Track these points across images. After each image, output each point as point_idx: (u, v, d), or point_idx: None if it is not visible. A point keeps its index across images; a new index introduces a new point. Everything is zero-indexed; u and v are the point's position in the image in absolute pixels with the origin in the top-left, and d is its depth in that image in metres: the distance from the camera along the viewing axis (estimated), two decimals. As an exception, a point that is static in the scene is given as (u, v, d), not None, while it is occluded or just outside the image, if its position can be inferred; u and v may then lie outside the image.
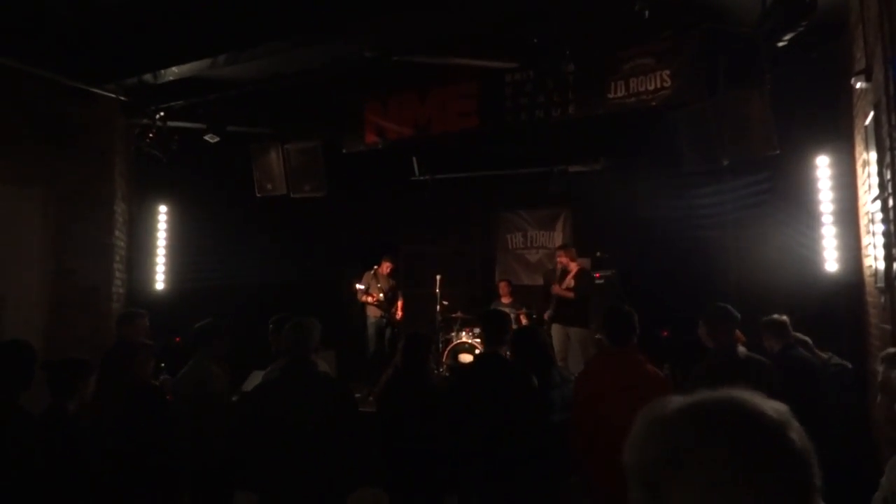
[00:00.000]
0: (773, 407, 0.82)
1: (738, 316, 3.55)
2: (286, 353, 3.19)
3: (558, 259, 7.14)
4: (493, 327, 3.62)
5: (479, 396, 3.35)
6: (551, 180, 8.11)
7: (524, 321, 7.66)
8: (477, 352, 7.37)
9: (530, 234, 9.25)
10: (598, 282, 7.21)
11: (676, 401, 0.86)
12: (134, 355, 3.59)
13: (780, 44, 3.89)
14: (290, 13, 5.19)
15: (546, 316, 7.15)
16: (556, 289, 7.04)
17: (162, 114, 6.33)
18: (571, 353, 6.89)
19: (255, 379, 4.07)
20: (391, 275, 8.06)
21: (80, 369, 3.02)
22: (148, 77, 5.90)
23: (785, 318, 4.22)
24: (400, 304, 8.06)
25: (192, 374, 3.77)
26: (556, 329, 7.00)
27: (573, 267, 7.06)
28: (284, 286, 7.59)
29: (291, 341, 3.12)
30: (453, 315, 8.01)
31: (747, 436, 0.78)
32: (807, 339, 4.32)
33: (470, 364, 5.85)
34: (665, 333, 6.77)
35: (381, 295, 7.89)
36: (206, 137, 6.49)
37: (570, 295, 6.89)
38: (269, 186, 7.33)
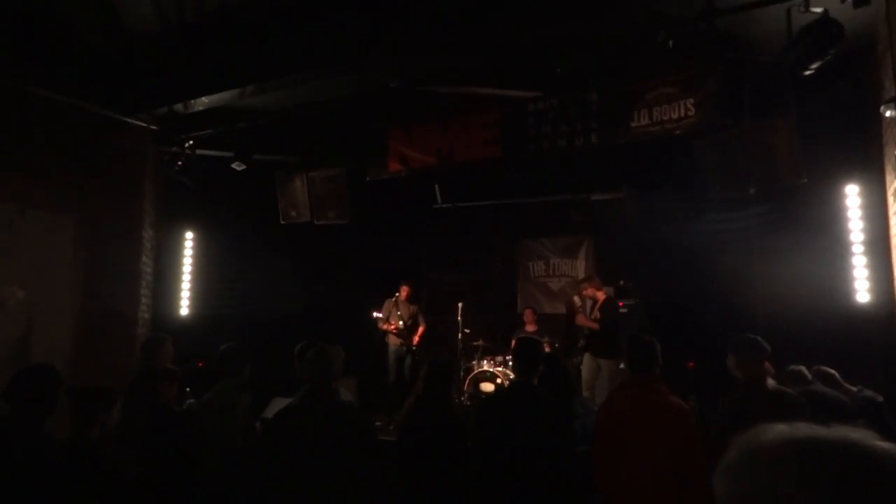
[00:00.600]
0: (889, 451, 0.74)
1: (768, 348, 3.48)
2: (308, 380, 3.18)
3: (584, 293, 7.11)
4: (527, 356, 3.61)
5: (510, 425, 3.32)
6: (574, 208, 8.19)
7: (547, 349, 7.57)
8: (499, 381, 7.27)
9: (552, 262, 9.21)
10: (621, 311, 7.07)
11: (778, 432, 0.80)
12: (158, 381, 3.57)
13: (807, 72, 3.84)
14: (317, 45, 5.29)
15: (580, 344, 7.07)
16: (580, 319, 7.00)
17: (191, 142, 6.42)
18: (600, 383, 6.80)
19: (277, 405, 4.03)
20: (410, 300, 8.00)
21: (104, 398, 3.00)
22: (178, 107, 6.03)
23: (802, 367, 4.14)
24: (420, 330, 7.97)
25: (217, 401, 3.74)
26: (587, 359, 6.90)
27: (600, 296, 7.01)
28: (307, 313, 7.60)
29: (313, 368, 3.12)
30: (474, 343, 7.93)
31: (856, 484, 0.71)
32: (832, 371, 4.24)
33: (500, 392, 5.78)
34: (691, 364, 6.67)
35: (401, 322, 7.84)
36: (234, 165, 6.57)
37: (595, 326, 6.82)
38: (294, 213, 7.37)
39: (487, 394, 7.12)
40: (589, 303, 7.17)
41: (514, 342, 3.83)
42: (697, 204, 6.66)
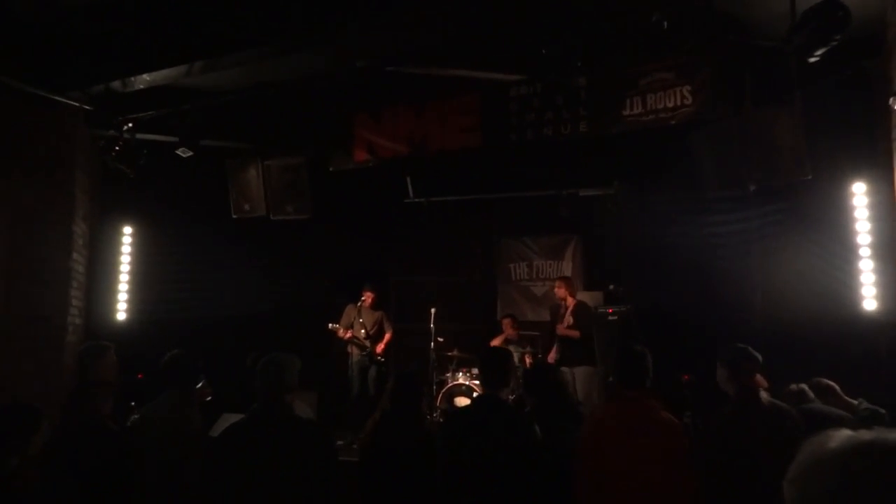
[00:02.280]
0: None
1: (759, 357, 3.54)
2: (259, 394, 3.16)
3: (555, 292, 7.31)
4: (492, 367, 3.63)
5: (473, 444, 3.35)
6: (560, 205, 8.15)
7: (528, 362, 7.67)
8: (476, 395, 7.34)
9: (536, 263, 9.27)
10: (610, 318, 7.16)
11: (843, 437, 0.88)
12: (94, 395, 3.50)
13: (812, 59, 3.94)
14: (275, 16, 5.20)
15: (550, 358, 7.19)
16: (560, 329, 7.14)
17: (130, 125, 6.32)
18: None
19: (225, 423, 4.00)
20: (375, 306, 8.01)
21: (26, 419, 2.80)
22: (116, 85, 5.91)
23: (803, 386, 4.22)
24: (387, 338, 7.99)
25: (160, 416, 3.70)
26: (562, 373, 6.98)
27: (570, 302, 7.19)
28: (262, 319, 7.60)
29: (264, 380, 3.09)
30: (449, 353, 8.01)
31: None
32: (832, 384, 4.30)
33: (464, 408, 5.83)
34: (686, 378, 6.60)
35: (363, 331, 7.83)
36: (179, 152, 6.49)
37: (575, 334, 6.96)
38: (247, 207, 7.34)
39: (458, 409, 7.18)
40: (561, 305, 7.34)
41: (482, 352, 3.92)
42: (694, 202, 6.73)
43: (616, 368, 3.46)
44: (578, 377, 6.92)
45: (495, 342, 7.79)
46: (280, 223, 7.30)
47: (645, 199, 7.73)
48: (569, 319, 7.07)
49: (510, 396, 6.88)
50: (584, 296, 7.86)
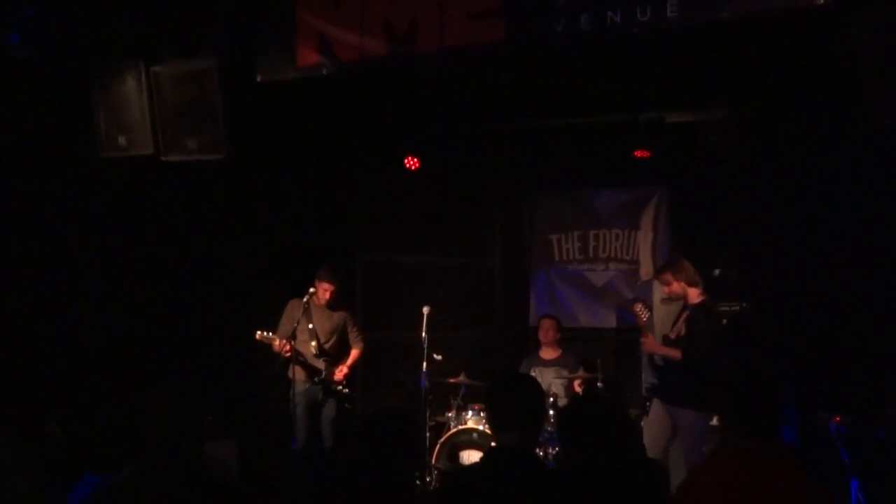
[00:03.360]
0: None
1: None
2: (147, 444, 3.29)
3: (666, 289, 7.28)
4: (509, 404, 3.69)
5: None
6: (635, 139, 8.18)
7: (578, 390, 7.92)
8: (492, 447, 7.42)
9: (595, 235, 9.33)
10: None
11: None
12: None
13: None
14: None
15: (645, 387, 7.34)
16: (648, 343, 7.15)
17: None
18: (675, 448, 7.07)
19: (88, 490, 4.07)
20: (334, 304, 8.08)
21: None
22: None
23: None
24: (354, 355, 8.08)
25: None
26: (655, 409, 7.11)
27: (692, 296, 7.12)
28: (149, 324, 7.79)
29: (154, 423, 3.23)
30: (451, 380, 8.10)
31: None
32: None
33: (472, 468, 5.92)
34: (837, 419, 6.81)
35: (314, 344, 7.92)
36: (12, 50, 6.46)
37: (676, 354, 6.93)
38: (123, 141, 7.26)
39: (465, 469, 7.12)
40: (666, 309, 7.46)
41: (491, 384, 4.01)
42: (850, 135, 6.84)
43: (728, 405, 3.54)
44: (684, 423, 6.94)
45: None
46: (176, 168, 7.29)
47: (770, 131, 7.85)
48: (680, 328, 7.05)
49: (547, 449, 7.62)
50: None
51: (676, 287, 7.15)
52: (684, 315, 7.09)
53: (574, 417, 3.92)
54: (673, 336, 7.07)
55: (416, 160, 8.88)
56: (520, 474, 3.49)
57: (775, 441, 3.40)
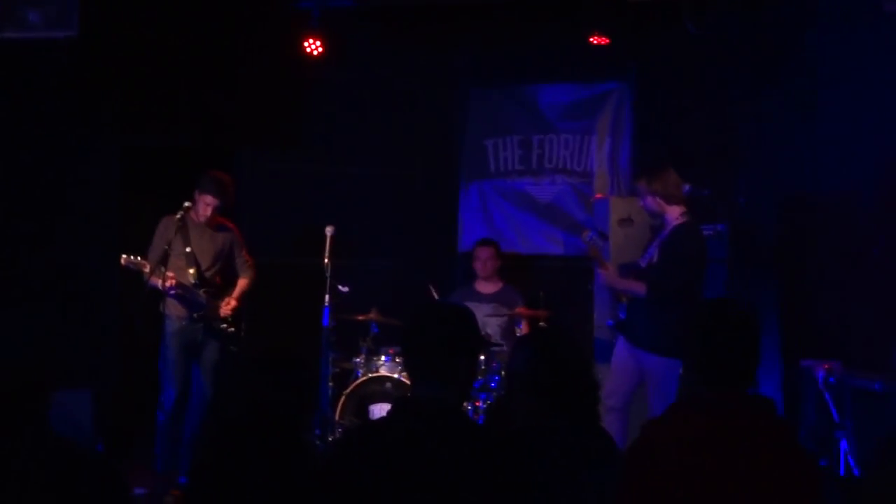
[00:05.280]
0: None
1: None
2: None
3: (645, 199, 6.86)
4: (430, 345, 3.45)
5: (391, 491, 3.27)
6: (591, 19, 7.76)
7: (524, 331, 7.86)
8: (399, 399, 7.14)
9: (539, 140, 9.07)
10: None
11: None
12: None
13: None
14: None
15: (616, 322, 7.08)
16: (607, 276, 7.02)
17: None
18: (639, 398, 6.89)
19: None
20: (217, 220, 7.64)
21: None
22: None
23: None
24: (241, 285, 7.65)
25: None
26: (620, 348, 6.96)
27: (674, 214, 6.72)
28: None
29: None
30: (360, 317, 7.82)
31: None
32: None
33: (377, 423, 5.52)
34: (826, 367, 6.70)
35: (193, 270, 7.37)
36: None
37: (640, 289, 6.68)
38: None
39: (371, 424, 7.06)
40: (624, 233, 7.50)
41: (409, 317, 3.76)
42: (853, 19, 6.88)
43: (693, 345, 3.33)
44: (650, 370, 6.71)
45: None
46: (12, 48, 7.23)
47: (758, 11, 7.61)
48: (653, 256, 6.72)
49: (476, 403, 7.64)
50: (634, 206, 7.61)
51: (652, 202, 6.74)
52: (663, 238, 6.75)
53: (526, 354, 3.80)
54: (644, 265, 6.79)
55: (318, 43, 8.22)
56: (435, 434, 3.31)
57: (750, 392, 3.26)
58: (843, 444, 6.22)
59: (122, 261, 7.27)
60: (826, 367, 6.66)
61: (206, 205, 7.38)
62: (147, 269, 7.23)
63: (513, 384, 3.89)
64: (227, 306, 7.51)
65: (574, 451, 3.53)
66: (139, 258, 7.29)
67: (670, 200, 6.71)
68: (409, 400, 3.74)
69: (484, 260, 8.15)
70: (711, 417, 3.20)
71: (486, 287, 8.20)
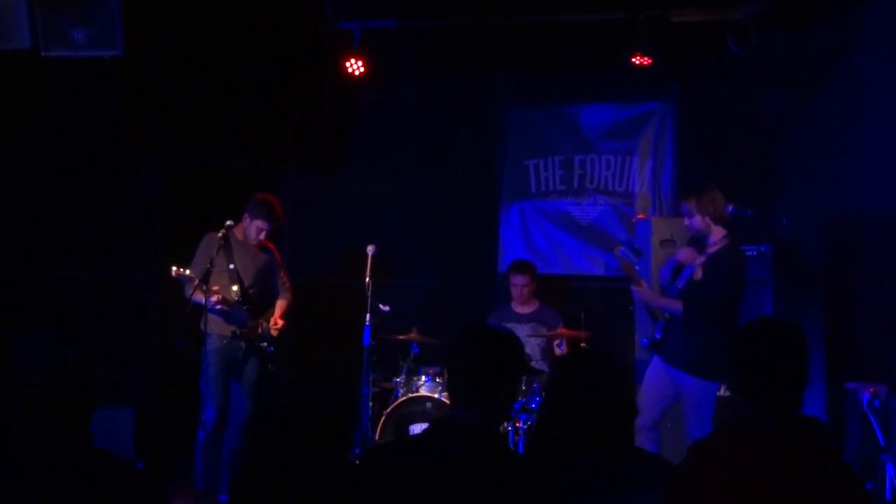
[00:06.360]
0: None
1: None
2: (14, 410, 3.03)
3: (685, 220, 6.82)
4: (471, 368, 3.46)
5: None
6: (634, 41, 7.78)
7: (558, 352, 7.83)
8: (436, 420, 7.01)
9: (581, 161, 9.01)
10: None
11: None
12: None
13: None
14: None
15: (652, 341, 6.92)
16: (641, 292, 6.93)
17: None
18: (674, 418, 6.89)
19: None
20: (260, 242, 7.57)
21: None
22: None
23: None
24: (281, 307, 7.64)
25: None
26: (653, 367, 6.81)
27: (717, 236, 6.65)
28: (23, 261, 7.73)
29: (29, 384, 2.95)
30: (401, 336, 7.79)
31: None
32: None
33: (407, 440, 5.81)
34: (871, 390, 6.73)
35: (237, 287, 7.33)
36: None
37: (676, 307, 6.64)
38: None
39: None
40: (666, 253, 7.30)
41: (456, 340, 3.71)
42: None
43: (739, 367, 3.25)
44: (687, 392, 6.63)
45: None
46: (58, 65, 7.21)
47: (803, 32, 7.74)
48: (698, 274, 6.60)
49: (517, 423, 7.54)
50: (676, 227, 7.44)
51: (700, 222, 6.63)
52: (704, 260, 6.63)
53: (561, 376, 3.72)
54: (680, 286, 6.71)
55: (360, 63, 8.35)
56: (467, 454, 3.29)
57: (797, 415, 3.11)
58: (890, 469, 6.17)
59: (172, 272, 7.27)
60: (871, 389, 6.64)
61: (258, 229, 7.42)
62: (195, 283, 7.24)
63: (550, 404, 3.86)
64: (275, 326, 7.52)
65: (610, 476, 3.44)
66: (188, 271, 7.30)
67: (717, 220, 6.68)
68: (446, 419, 3.77)
69: (520, 287, 8.13)
70: (759, 439, 3.12)
71: (523, 308, 8.17)
